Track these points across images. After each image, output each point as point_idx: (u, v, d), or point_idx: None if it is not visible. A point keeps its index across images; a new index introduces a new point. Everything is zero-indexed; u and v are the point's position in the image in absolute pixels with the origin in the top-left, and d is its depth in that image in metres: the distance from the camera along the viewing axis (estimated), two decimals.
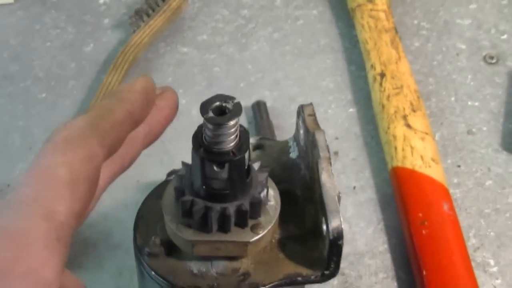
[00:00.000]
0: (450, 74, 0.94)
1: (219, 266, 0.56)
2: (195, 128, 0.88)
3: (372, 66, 0.89)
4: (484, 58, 0.96)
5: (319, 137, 0.58)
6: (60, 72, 0.92)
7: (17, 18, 0.98)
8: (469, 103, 0.92)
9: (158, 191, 0.61)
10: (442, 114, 0.90)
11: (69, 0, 1.00)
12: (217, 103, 0.52)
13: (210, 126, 0.51)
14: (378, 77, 0.87)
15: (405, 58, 0.90)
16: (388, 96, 0.85)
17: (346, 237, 0.78)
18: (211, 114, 0.51)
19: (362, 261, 0.78)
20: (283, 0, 1.01)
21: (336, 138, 0.87)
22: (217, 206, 0.53)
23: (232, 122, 0.51)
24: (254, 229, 0.55)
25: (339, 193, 0.55)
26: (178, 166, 0.73)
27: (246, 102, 0.89)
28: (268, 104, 0.88)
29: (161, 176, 0.82)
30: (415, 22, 1.00)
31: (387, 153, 0.82)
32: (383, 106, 0.85)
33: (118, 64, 0.88)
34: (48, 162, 0.43)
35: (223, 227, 0.54)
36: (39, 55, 0.94)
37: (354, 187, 0.83)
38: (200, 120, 0.88)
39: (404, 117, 0.83)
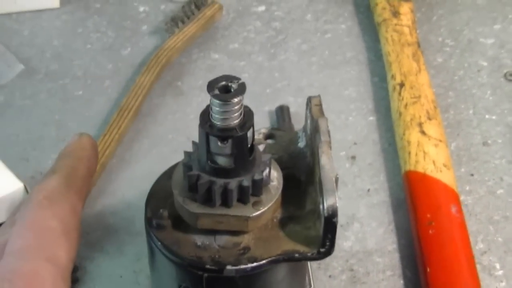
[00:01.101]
0: (470, 89, 0.97)
1: (222, 240, 0.60)
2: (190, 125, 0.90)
3: (393, 77, 0.92)
4: (505, 75, 0.99)
5: (321, 123, 0.62)
6: (97, 72, 0.98)
7: (61, 21, 1.04)
8: (487, 116, 0.94)
9: (170, 171, 0.65)
10: (459, 125, 0.93)
11: (111, 6, 1.06)
12: (223, 82, 0.56)
13: (215, 103, 0.55)
14: (398, 87, 0.91)
15: (425, 71, 0.94)
16: (406, 105, 0.89)
17: (357, 236, 0.82)
18: (216, 91, 0.55)
19: (371, 258, 0.81)
20: (313, 14, 1.06)
21: (355, 144, 0.90)
22: (221, 181, 0.57)
23: (236, 100, 0.55)
24: (255, 205, 0.59)
25: (337, 175, 0.59)
26: None
27: (271, 106, 0.93)
28: (292, 110, 0.92)
29: None
30: (440, 39, 1.03)
31: (401, 158, 0.86)
32: (400, 114, 0.88)
33: (151, 66, 0.93)
34: (39, 216, 0.49)
35: (226, 202, 0.58)
36: (79, 56, 1.00)
37: (369, 190, 0.86)
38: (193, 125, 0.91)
39: (420, 125, 0.86)
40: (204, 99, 0.93)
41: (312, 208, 0.61)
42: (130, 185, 0.86)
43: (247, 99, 0.93)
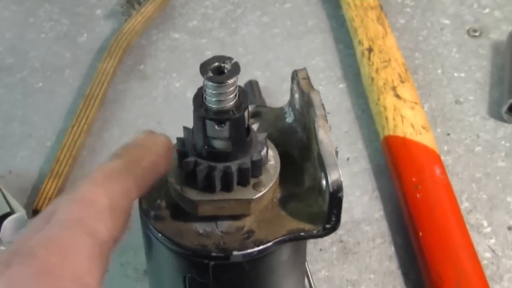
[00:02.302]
0: (435, 48, 0.97)
1: (224, 225, 0.58)
2: (190, 110, 0.90)
3: (360, 42, 0.91)
4: (468, 31, 0.99)
5: (314, 96, 0.60)
6: (55, 62, 0.94)
7: (11, 12, 1.00)
8: (455, 74, 0.94)
9: None
10: (429, 86, 0.92)
11: None
12: (216, 64, 0.54)
13: (210, 85, 0.53)
14: (366, 52, 0.90)
15: (391, 34, 0.93)
16: (377, 70, 0.88)
17: (343, 205, 0.80)
18: (210, 74, 0.53)
19: (359, 228, 0.80)
20: None
21: (328, 113, 0.88)
22: (220, 165, 0.55)
23: (231, 81, 0.53)
24: (256, 187, 0.57)
25: (337, 148, 0.58)
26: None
27: (239, 83, 0.91)
28: (261, 84, 0.90)
29: None
30: (399, 0, 1.02)
31: (378, 124, 0.85)
32: (372, 79, 0.87)
33: (112, 51, 0.90)
34: (90, 191, 0.49)
35: (226, 186, 0.56)
36: (35, 47, 0.96)
37: (348, 159, 0.85)
38: (184, 110, 0.90)
39: (393, 88, 0.85)
40: (170, 81, 0.91)
41: (311, 185, 0.60)
42: None
43: None
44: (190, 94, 0.88)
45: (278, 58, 0.95)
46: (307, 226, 0.58)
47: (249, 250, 0.56)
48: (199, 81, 0.92)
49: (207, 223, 0.58)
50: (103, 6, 1.01)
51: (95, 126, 0.87)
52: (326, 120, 0.59)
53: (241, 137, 0.55)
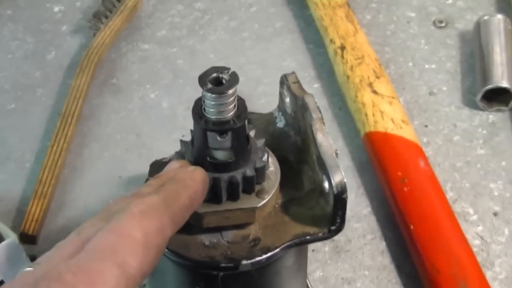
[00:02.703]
0: (404, 42, 0.98)
1: (229, 235, 0.58)
2: (167, 120, 0.90)
3: (332, 41, 0.92)
4: (434, 23, 1.00)
5: (309, 100, 0.60)
6: (25, 81, 0.93)
7: None
8: (426, 66, 0.95)
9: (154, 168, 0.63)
10: (402, 79, 0.93)
11: (24, 11, 1.01)
12: (214, 75, 0.54)
13: (210, 97, 0.53)
14: (339, 50, 0.90)
15: (361, 30, 0.93)
16: (351, 67, 0.88)
17: None
18: (209, 85, 0.53)
19: (349, 225, 0.80)
20: None
21: None
22: (225, 176, 0.55)
23: (231, 91, 0.53)
24: (260, 194, 0.57)
25: (336, 150, 0.58)
26: (156, 157, 0.75)
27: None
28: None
29: (142, 170, 0.83)
30: None
31: (358, 121, 0.85)
32: (347, 77, 0.88)
33: (84, 67, 0.89)
34: (126, 224, 0.49)
35: (232, 196, 0.56)
36: (3, 67, 0.94)
37: None
38: (171, 112, 0.90)
39: (370, 85, 0.86)
40: (144, 93, 0.91)
41: (311, 188, 0.60)
42: (88, 192, 0.83)
43: (188, 86, 0.92)
44: (166, 104, 0.90)
45: (250, 62, 0.95)
46: (312, 230, 0.58)
47: (258, 258, 0.56)
48: (173, 91, 0.92)
49: (212, 234, 0.58)
50: (68, 21, 0.99)
51: (74, 144, 0.86)
52: (323, 123, 0.59)
53: (242, 146, 0.55)
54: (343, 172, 0.56)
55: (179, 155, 0.58)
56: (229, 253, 0.57)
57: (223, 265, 0.56)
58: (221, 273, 0.56)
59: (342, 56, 0.90)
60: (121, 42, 0.96)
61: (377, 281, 0.77)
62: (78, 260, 0.46)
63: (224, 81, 0.54)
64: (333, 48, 0.91)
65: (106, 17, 0.95)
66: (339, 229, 0.58)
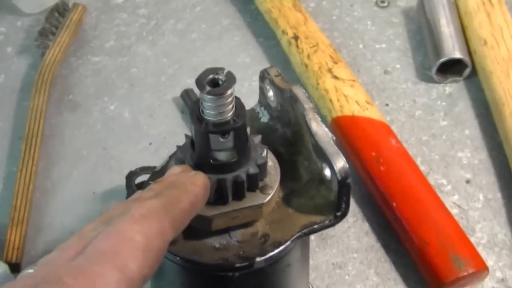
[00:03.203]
0: (351, 25, 0.99)
1: (238, 235, 0.58)
2: (131, 129, 0.89)
3: (284, 32, 0.92)
4: (376, 3, 1.02)
5: (297, 91, 0.60)
6: None
7: None
8: (377, 46, 0.97)
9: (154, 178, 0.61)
10: (356, 62, 0.94)
11: None
12: (210, 76, 0.53)
13: (209, 99, 0.52)
14: (293, 40, 0.91)
15: (311, 18, 0.94)
16: (308, 55, 0.89)
17: None
18: (208, 88, 0.53)
19: None
20: None
21: None
22: (229, 176, 0.55)
23: (229, 91, 0.53)
24: (263, 190, 0.57)
25: (333, 136, 0.58)
26: (126, 169, 0.74)
27: (173, 94, 0.91)
28: (196, 91, 0.90)
29: (115, 183, 0.83)
30: None
31: (323, 107, 0.86)
32: (306, 66, 0.88)
33: (39, 87, 0.87)
34: (127, 228, 0.49)
35: (237, 195, 0.56)
36: None
37: None
38: (134, 122, 0.89)
39: (329, 70, 0.87)
40: (103, 106, 0.89)
41: (310, 178, 0.60)
42: (64, 213, 0.81)
43: (146, 93, 0.91)
44: (128, 114, 0.89)
45: (203, 62, 0.95)
46: (318, 218, 0.58)
47: (270, 254, 0.56)
48: (133, 100, 0.91)
49: (221, 236, 0.58)
50: (12, 43, 0.97)
51: (40, 165, 0.84)
52: (316, 112, 0.59)
53: (244, 144, 0.55)
54: (344, 158, 0.56)
55: (178, 160, 0.58)
56: (241, 252, 0.56)
57: (238, 265, 0.56)
58: (236, 273, 0.56)
59: (297, 46, 0.90)
60: (70, 57, 0.95)
61: (367, 261, 0.78)
62: (78, 263, 0.46)
63: (220, 82, 0.53)
64: (287, 39, 0.91)
65: (53, 33, 0.93)
66: (344, 214, 0.58)
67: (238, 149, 0.55)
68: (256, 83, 0.91)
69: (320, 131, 0.58)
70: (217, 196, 0.56)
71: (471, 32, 0.93)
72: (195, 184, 0.54)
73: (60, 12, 0.95)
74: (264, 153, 0.57)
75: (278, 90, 0.63)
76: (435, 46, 0.92)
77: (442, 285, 0.73)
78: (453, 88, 0.92)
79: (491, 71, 0.88)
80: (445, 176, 0.84)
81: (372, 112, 0.84)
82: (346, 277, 0.77)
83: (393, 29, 0.99)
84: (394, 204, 0.77)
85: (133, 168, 0.79)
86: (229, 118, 0.54)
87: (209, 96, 0.52)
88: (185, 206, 0.52)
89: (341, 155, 0.56)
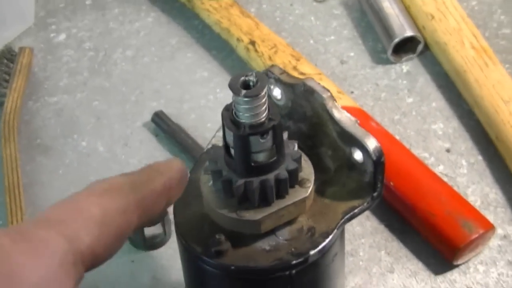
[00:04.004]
0: (296, 23, 1.01)
1: (285, 233, 0.57)
2: (109, 162, 0.88)
3: (239, 39, 0.93)
4: None
5: (312, 83, 0.61)
6: None
7: None
8: (327, 39, 0.99)
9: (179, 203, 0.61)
10: (311, 57, 0.96)
11: None
12: (242, 79, 0.53)
13: (245, 101, 0.52)
14: (250, 46, 0.91)
15: (261, 23, 0.95)
16: (270, 57, 0.89)
17: None
18: (244, 91, 0.52)
19: None
20: (114, 21, 1.02)
21: None
22: (271, 176, 0.55)
23: (264, 91, 0.53)
24: (302, 184, 0.57)
25: (357, 120, 0.59)
26: None
27: (142, 119, 0.90)
28: (166, 112, 0.89)
29: None
30: None
31: None
32: None
33: (7, 136, 0.85)
34: (82, 199, 0.44)
35: (280, 193, 0.56)
36: None
37: None
38: (111, 154, 0.87)
39: (295, 68, 0.88)
40: (74, 144, 0.88)
41: (338, 165, 0.61)
42: None
43: (115, 124, 0.89)
44: (102, 148, 0.87)
45: (163, 83, 0.94)
46: (356, 202, 0.59)
47: (322, 244, 0.57)
48: (103, 132, 0.89)
49: (267, 238, 0.57)
50: None
51: (27, 215, 0.81)
52: (335, 99, 0.60)
53: (281, 142, 0.55)
54: (374, 138, 0.57)
55: (216, 174, 0.57)
56: (293, 249, 0.56)
57: (294, 262, 0.56)
58: (293, 271, 0.56)
59: (256, 50, 0.91)
60: (27, 102, 0.92)
61: (376, 244, 0.79)
62: (20, 226, 0.42)
63: (251, 84, 0.53)
64: (243, 46, 0.92)
65: (6, 81, 0.91)
66: (380, 194, 0.59)
67: (276, 148, 0.55)
68: (221, 95, 0.92)
69: (343, 117, 0.59)
70: (261, 198, 0.55)
71: (415, 9, 0.96)
72: (170, 167, 0.52)
73: (8, 58, 0.92)
74: (296, 147, 0.57)
75: (288, 86, 0.63)
76: (385, 29, 0.94)
77: (457, 251, 0.75)
78: (409, 65, 0.95)
79: (445, 42, 0.91)
80: (426, 150, 0.86)
81: (346, 101, 0.86)
82: (360, 262, 0.78)
83: (337, 20, 1.01)
84: (391, 183, 0.79)
85: None
86: (265, 118, 0.54)
87: (245, 99, 0.52)
88: (156, 186, 0.49)
89: (371, 135, 0.57)
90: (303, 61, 0.89)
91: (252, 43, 0.91)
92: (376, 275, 0.77)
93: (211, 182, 0.57)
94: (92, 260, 0.43)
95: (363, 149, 0.57)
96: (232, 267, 0.56)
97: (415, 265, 0.77)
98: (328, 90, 0.60)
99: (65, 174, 0.85)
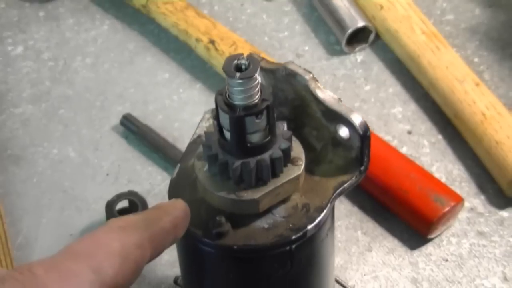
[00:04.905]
0: (249, 22, 1.03)
1: (281, 211, 0.60)
2: (83, 167, 0.89)
3: (198, 40, 0.94)
4: None
5: (293, 66, 0.63)
6: None
7: None
8: (280, 35, 1.01)
9: (174, 191, 0.62)
10: (268, 53, 0.98)
11: None
12: (234, 63, 0.55)
13: (240, 83, 0.54)
14: (210, 45, 0.93)
15: (217, 22, 0.97)
16: (230, 54, 0.91)
17: None
18: (238, 74, 0.54)
19: None
20: (71, 30, 1.03)
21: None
22: (266, 156, 0.57)
23: (257, 72, 0.55)
24: (294, 162, 0.59)
25: (339, 98, 0.61)
26: (94, 204, 0.76)
27: (109, 124, 0.91)
28: (134, 114, 0.91)
29: (89, 220, 0.82)
30: None
31: None
32: None
33: None
34: (103, 235, 0.48)
35: (275, 172, 0.58)
36: None
37: None
38: (83, 159, 0.88)
39: None
40: (45, 152, 0.88)
41: (323, 144, 0.63)
42: None
43: (83, 130, 0.90)
44: (73, 153, 0.89)
45: (126, 88, 0.95)
46: (345, 177, 0.61)
47: (318, 218, 0.59)
48: (73, 139, 0.91)
49: (265, 217, 0.59)
50: None
51: (7, 224, 0.82)
52: (317, 80, 0.62)
53: (274, 122, 0.57)
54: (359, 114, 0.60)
55: (212, 158, 0.58)
56: (291, 225, 0.58)
57: (294, 237, 0.58)
58: (293, 246, 0.58)
59: (216, 49, 0.93)
60: None
61: (351, 225, 0.82)
62: (52, 258, 0.45)
63: (244, 67, 0.55)
64: (203, 45, 0.94)
65: None
66: (366, 167, 0.62)
67: (270, 128, 0.57)
68: (184, 95, 0.94)
69: (327, 96, 0.61)
70: (258, 178, 0.57)
71: (364, 1, 0.99)
72: (175, 207, 0.56)
73: None
74: (286, 127, 0.59)
75: (268, 72, 0.65)
76: (337, 21, 0.97)
77: (431, 225, 0.78)
78: (363, 55, 0.98)
79: (396, 30, 0.95)
80: (388, 133, 0.90)
81: None
82: (339, 244, 0.80)
83: (288, 16, 1.04)
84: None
85: (100, 202, 0.80)
86: (258, 99, 0.56)
87: (239, 81, 0.54)
88: (165, 225, 0.53)
89: (355, 112, 0.60)
90: (264, 55, 0.92)
91: (212, 42, 0.93)
92: (356, 254, 0.80)
93: (206, 167, 0.59)
94: None
95: (349, 124, 0.60)
96: (235, 247, 0.58)
97: (391, 242, 0.81)
98: (310, 72, 0.62)
99: (40, 182, 0.86)
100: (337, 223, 0.82)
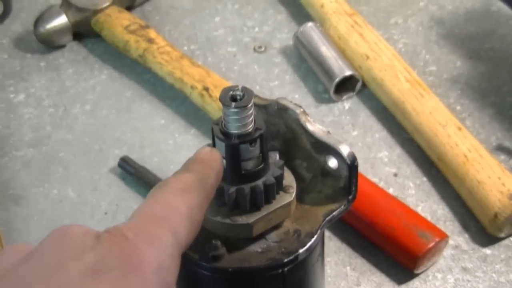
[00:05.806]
0: (241, 72, 1.08)
1: (273, 236, 0.63)
2: (82, 206, 0.92)
3: (193, 87, 0.99)
4: (255, 49, 1.11)
5: (284, 101, 0.67)
6: None
7: None
8: (271, 84, 1.06)
9: None
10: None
11: None
12: (230, 93, 0.59)
13: (235, 112, 0.58)
14: (204, 92, 0.98)
15: (208, 68, 1.02)
16: None
17: None
18: (233, 103, 0.58)
19: None
20: (71, 79, 1.08)
21: None
22: (259, 182, 0.61)
23: (251, 103, 0.59)
24: (286, 190, 0.63)
25: (328, 131, 0.65)
26: None
27: (107, 166, 0.95)
28: (132, 157, 0.94)
29: None
30: (186, 48, 1.12)
31: None
32: None
33: None
34: (171, 198, 0.51)
35: (268, 198, 0.62)
36: None
37: None
38: (82, 199, 0.91)
39: None
40: (45, 192, 0.91)
41: (313, 175, 0.67)
42: None
43: (82, 172, 0.94)
44: (73, 193, 0.92)
45: (123, 132, 0.99)
46: (334, 206, 0.65)
47: (309, 243, 0.62)
48: (72, 180, 0.95)
49: (258, 242, 0.62)
50: None
51: None
52: (307, 113, 0.66)
53: (267, 149, 0.61)
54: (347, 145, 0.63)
55: None
56: (283, 249, 0.61)
57: (286, 260, 0.61)
58: (286, 269, 0.61)
59: (210, 95, 0.97)
60: None
61: (340, 262, 0.85)
62: (135, 222, 0.47)
63: (239, 97, 0.59)
64: (198, 92, 0.98)
65: None
66: (355, 197, 0.65)
67: (263, 156, 0.61)
68: (179, 139, 0.98)
69: (317, 129, 0.65)
70: (252, 203, 0.61)
71: (351, 52, 1.04)
72: (215, 161, 0.58)
73: None
74: (278, 157, 0.63)
75: (261, 108, 0.69)
76: (325, 71, 1.02)
77: (417, 260, 0.82)
78: (350, 103, 1.03)
79: (381, 78, 1.00)
80: (375, 175, 0.94)
81: None
82: (329, 279, 0.83)
83: (278, 67, 1.08)
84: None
85: None
86: (252, 128, 0.59)
87: (235, 110, 0.58)
88: (213, 181, 0.56)
89: (343, 143, 0.64)
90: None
91: (206, 89, 0.98)
92: None
93: None
94: (183, 252, 0.49)
95: (338, 155, 0.63)
96: (230, 269, 0.61)
97: (379, 277, 0.84)
98: (300, 106, 0.66)
99: (40, 220, 0.89)
100: (326, 259, 0.85)
